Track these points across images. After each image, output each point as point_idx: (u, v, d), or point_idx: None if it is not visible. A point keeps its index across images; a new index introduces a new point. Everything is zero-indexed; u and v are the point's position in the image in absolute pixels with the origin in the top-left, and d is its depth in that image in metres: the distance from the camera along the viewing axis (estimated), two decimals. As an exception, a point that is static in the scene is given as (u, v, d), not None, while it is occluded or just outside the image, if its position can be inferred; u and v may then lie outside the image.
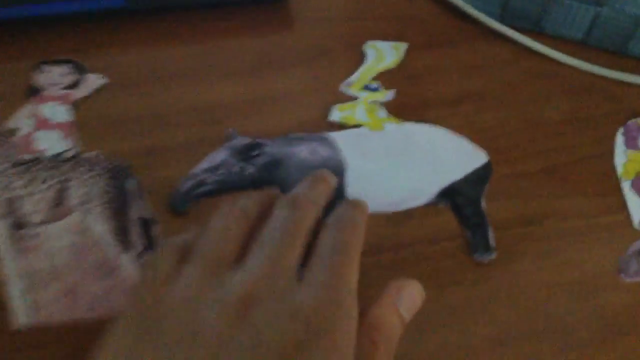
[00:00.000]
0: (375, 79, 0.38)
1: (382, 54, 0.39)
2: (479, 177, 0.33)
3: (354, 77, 0.37)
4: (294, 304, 0.19)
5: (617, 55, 0.40)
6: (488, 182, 0.33)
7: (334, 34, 0.40)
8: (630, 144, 0.35)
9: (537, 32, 0.40)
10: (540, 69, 0.39)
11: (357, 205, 0.23)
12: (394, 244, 0.30)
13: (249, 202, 0.23)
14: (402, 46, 0.40)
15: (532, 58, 0.39)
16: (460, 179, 0.33)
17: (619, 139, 0.35)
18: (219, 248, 0.21)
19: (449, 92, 0.37)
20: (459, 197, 0.33)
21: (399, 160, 0.33)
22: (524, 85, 0.38)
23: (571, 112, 0.37)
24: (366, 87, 0.37)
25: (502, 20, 0.40)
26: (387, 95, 0.37)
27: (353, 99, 0.36)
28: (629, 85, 0.38)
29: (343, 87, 0.37)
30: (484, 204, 0.32)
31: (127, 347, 0.19)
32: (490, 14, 0.40)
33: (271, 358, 0.18)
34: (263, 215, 0.23)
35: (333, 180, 0.25)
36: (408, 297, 0.22)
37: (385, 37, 0.40)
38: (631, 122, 0.36)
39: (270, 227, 0.22)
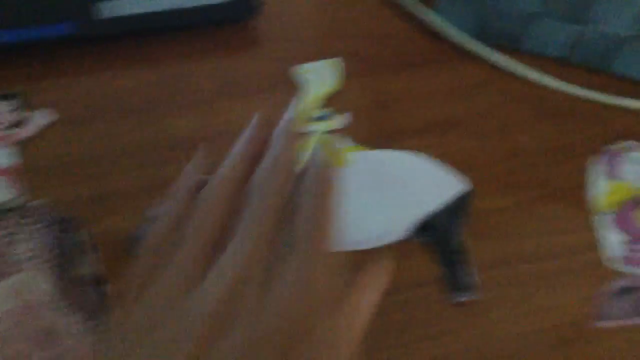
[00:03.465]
0: (331, 105, 0.36)
1: (322, 76, 0.36)
2: (459, 207, 0.32)
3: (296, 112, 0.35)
4: (263, 328, 0.17)
5: (600, 75, 0.38)
6: (468, 212, 0.32)
7: (302, 55, 0.38)
8: (611, 173, 0.33)
9: (516, 51, 0.38)
10: (520, 91, 0.37)
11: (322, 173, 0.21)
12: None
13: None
14: (338, 63, 0.37)
15: (511, 79, 0.37)
16: (439, 210, 0.31)
17: (599, 168, 0.33)
18: (187, 258, 0.19)
19: (423, 118, 0.35)
20: (437, 231, 0.31)
21: (372, 193, 0.31)
22: (503, 109, 0.36)
23: (551, 139, 0.35)
24: (315, 118, 0.34)
25: (479, 38, 0.38)
26: (342, 120, 0.35)
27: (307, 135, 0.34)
28: (613, 107, 0.36)
29: None
30: (464, 237, 0.31)
31: None
32: (466, 33, 0.38)
33: None
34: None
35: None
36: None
37: (356, 58, 0.38)
38: (613, 148, 0.34)
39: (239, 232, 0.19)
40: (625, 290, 0.29)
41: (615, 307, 0.29)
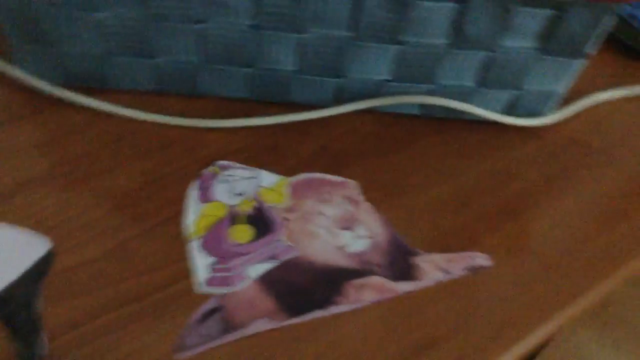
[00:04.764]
0: None
1: None
2: (38, 271, 0.29)
3: None
4: None
5: (198, 100, 0.38)
6: (48, 274, 0.29)
7: None
8: (204, 196, 0.33)
9: (113, 90, 0.37)
10: (117, 132, 0.36)
11: None
12: None
13: None
14: None
15: (108, 121, 0.36)
16: (15, 282, 0.29)
17: (193, 194, 0.33)
18: None
19: (9, 181, 0.33)
20: (10, 305, 0.28)
21: None
22: (98, 154, 0.35)
23: (147, 174, 0.34)
24: None
25: (68, 84, 0.37)
26: None
27: None
28: (209, 130, 0.37)
29: None
30: (42, 303, 0.28)
31: None
32: (53, 80, 0.36)
33: None
34: None
35: None
36: None
37: None
38: (206, 172, 0.34)
39: None
40: (210, 313, 0.29)
41: (199, 333, 0.28)
